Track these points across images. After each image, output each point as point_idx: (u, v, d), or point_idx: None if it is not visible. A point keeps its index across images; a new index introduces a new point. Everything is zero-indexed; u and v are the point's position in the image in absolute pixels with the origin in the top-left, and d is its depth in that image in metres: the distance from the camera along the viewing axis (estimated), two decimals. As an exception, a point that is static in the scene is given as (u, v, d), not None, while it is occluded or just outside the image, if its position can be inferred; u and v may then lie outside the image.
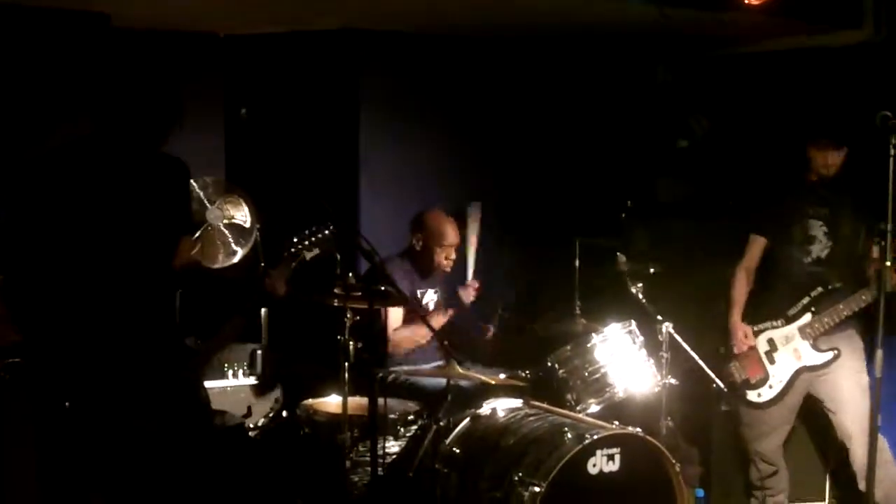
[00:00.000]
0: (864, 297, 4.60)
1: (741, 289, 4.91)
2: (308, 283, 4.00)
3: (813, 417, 5.05)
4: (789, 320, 4.79)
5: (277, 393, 4.88)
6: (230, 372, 5.01)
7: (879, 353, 4.31)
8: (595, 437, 4.01)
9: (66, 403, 3.16)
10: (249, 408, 4.85)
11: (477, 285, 5.22)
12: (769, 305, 4.87)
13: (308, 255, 3.72)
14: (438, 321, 4.96)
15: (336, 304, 4.16)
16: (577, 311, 5.00)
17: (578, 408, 4.57)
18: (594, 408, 4.58)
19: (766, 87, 5.86)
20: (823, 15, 5.45)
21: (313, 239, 3.72)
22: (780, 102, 5.75)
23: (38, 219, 3.24)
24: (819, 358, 4.73)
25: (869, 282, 4.62)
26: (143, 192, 3.27)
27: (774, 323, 4.82)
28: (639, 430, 4.20)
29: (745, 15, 5.10)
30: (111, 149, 3.30)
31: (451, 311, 5.06)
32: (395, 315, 4.94)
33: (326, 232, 3.75)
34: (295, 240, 3.71)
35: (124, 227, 3.23)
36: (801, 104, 5.49)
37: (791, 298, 4.79)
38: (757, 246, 4.90)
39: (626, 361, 4.67)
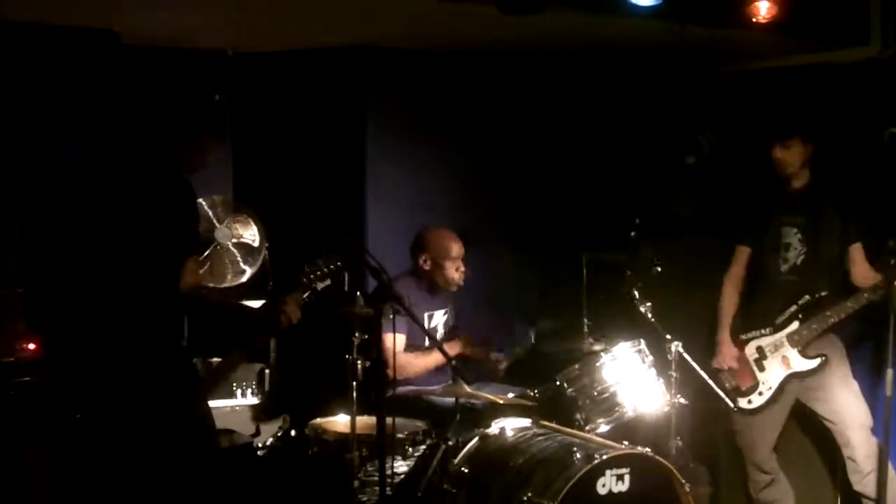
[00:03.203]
0: (850, 305, 4.71)
1: (729, 302, 5.03)
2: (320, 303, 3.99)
3: (820, 437, 5.05)
4: (777, 328, 4.86)
5: (285, 412, 4.87)
6: (238, 391, 5.01)
7: (890, 373, 4.33)
8: (604, 457, 4.00)
9: (77, 416, 3.15)
10: (258, 427, 4.85)
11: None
12: (754, 313, 4.96)
13: (320, 286, 3.72)
14: (453, 349, 4.95)
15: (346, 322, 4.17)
16: (586, 330, 4.98)
17: (587, 427, 4.57)
18: (603, 427, 4.58)
19: (773, 104, 5.85)
20: (831, 32, 5.45)
21: (325, 270, 3.72)
22: (788, 119, 5.74)
23: (50, 234, 3.24)
24: (807, 364, 4.80)
25: (855, 289, 4.75)
26: (150, 209, 3.26)
27: (763, 331, 4.90)
28: (648, 449, 4.20)
29: (753, 32, 5.10)
30: (123, 164, 3.29)
31: (464, 345, 5.05)
32: (399, 337, 4.92)
33: (339, 263, 3.75)
34: (307, 269, 3.70)
35: (131, 244, 3.21)
36: (808, 120, 5.47)
37: (773, 306, 4.87)
38: (741, 256, 5.03)
39: (635, 381, 4.67)
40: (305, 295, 3.65)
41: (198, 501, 3.34)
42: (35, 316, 3.29)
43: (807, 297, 4.77)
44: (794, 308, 4.80)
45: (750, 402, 4.89)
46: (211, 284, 4.89)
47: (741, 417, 4.94)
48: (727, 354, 4.93)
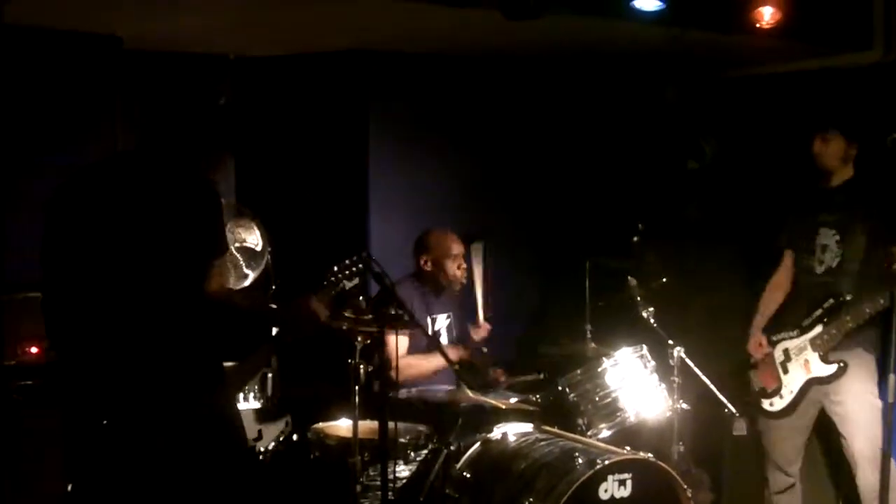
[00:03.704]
0: (867, 310, 4.59)
1: (766, 300, 4.98)
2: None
3: (825, 440, 5.04)
4: (803, 331, 4.79)
5: (288, 416, 4.87)
6: (241, 395, 5.00)
7: (892, 378, 4.29)
8: (606, 462, 4.00)
9: (104, 421, 3.14)
10: (260, 431, 4.83)
11: (488, 327, 5.25)
12: (786, 315, 4.90)
13: (348, 285, 3.73)
14: (455, 353, 4.95)
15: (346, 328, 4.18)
16: (588, 335, 4.98)
17: (589, 432, 4.56)
18: (605, 432, 4.57)
19: (776, 109, 5.86)
20: (833, 37, 5.46)
21: (354, 269, 3.73)
22: (790, 124, 5.75)
23: (72, 237, 3.23)
24: (826, 370, 4.71)
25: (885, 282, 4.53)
26: (174, 212, 3.24)
27: (790, 333, 4.83)
28: (650, 455, 4.19)
29: (756, 38, 5.10)
30: (145, 167, 3.28)
31: (464, 349, 5.06)
32: (401, 341, 4.91)
33: (369, 262, 3.76)
34: (336, 269, 3.71)
35: (155, 247, 3.20)
36: (810, 125, 5.47)
37: (805, 308, 4.80)
38: (787, 259, 4.96)
39: (637, 386, 4.66)
40: (333, 292, 3.64)
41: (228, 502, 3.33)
42: (55, 321, 3.27)
43: (831, 300, 4.69)
44: (819, 311, 4.72)
45: (772, 404, 4.85)
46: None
47: (764, 419, 4.90)
48: (753, 343, 4.90)
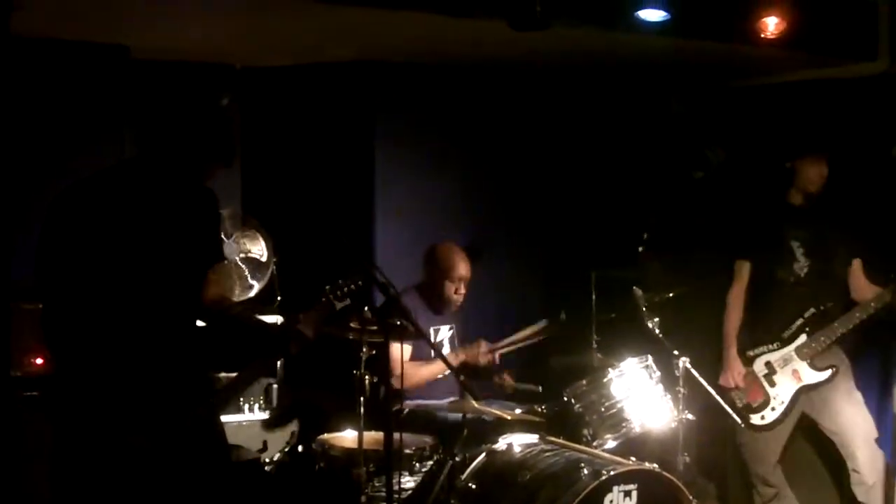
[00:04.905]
0: (857, 315, 4.71)
1: (734, 319, 4.98)
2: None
3: (826, 449, 5.05)
4: (785, 342, 4.85)
5: (293, 427, 4.87)
6: (245, 406, 5.01)
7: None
8: (612, 472, 3.98)
9: (88, 430, 3.14)
10: (265, 442, 4.84)
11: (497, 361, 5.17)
12: (761, 328, 4.95)
13: (339, 305, 3.73)
14: (455, 360, 4.96)
15: (351, 338, 4.19)
16: (594, 346, 4.98)
17: (595, 443, 4.56)
18: (610, 443, 4.57)
19: (781, 118, 5.86)
20: (838, 47, 5.46)
21: (346, 290, 3.73)
22: (795, 133, 5.75)
23: (68, 247, 3.23)
24: (819, 376, 4.80)
25: (858, 303, 4.77)
26: (169, 221, 3.24)
27: (770, 346, 4.89)
28: (655, 465, 4.17)
29: (761, 48, 5.11)
30: (144, 176, 3.28)
31: (465, 355, 5.05)
32: (404, 348, 4.92)
33: (360, 283, 3.76)
34: (327, 289, 3.71)
35: (152, 256, 3.20)
36: (815, 135, 5.47)
37: (781, 319, 4.87)
38: (744, 270, 4.99)
39: (642, 396, 4.66)
40: (323, 313, 3.64)
41: None
42: (51, 330, 3.27)
43: (812, 309, 4.78)
44: (800, 321, 4.81)
45: (763, 417, 4.87)
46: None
47: (747, 431, 4.93)
48: (735, 371, 4.91)
